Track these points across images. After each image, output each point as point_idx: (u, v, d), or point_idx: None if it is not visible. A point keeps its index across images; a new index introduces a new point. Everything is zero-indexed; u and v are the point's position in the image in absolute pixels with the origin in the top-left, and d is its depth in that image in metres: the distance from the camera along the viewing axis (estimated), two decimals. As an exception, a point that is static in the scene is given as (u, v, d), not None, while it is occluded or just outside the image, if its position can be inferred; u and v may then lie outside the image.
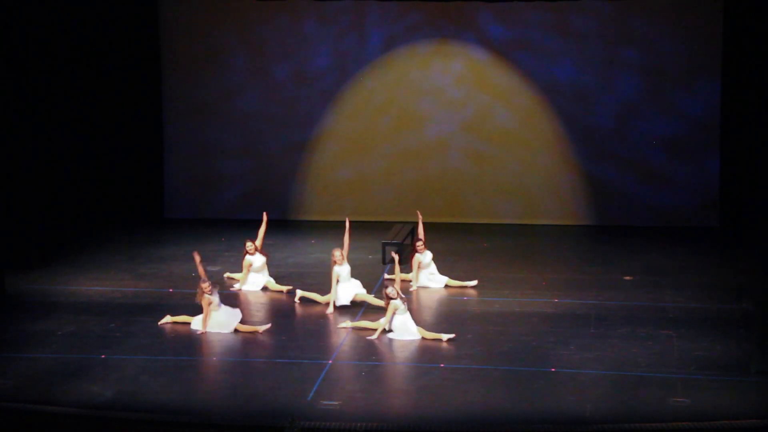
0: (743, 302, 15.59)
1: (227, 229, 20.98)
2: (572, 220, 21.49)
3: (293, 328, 15.31)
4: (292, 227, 21.39)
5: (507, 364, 13.45)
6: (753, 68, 20.03)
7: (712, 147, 20.94)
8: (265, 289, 16.85)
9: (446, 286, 16.90)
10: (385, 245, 18.49)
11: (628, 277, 17.45)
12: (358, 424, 11.17)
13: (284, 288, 16.77)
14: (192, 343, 14.30)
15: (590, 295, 16.47)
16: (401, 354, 13.93)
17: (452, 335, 14.22)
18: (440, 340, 14.18)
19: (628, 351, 13.80)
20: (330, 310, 15.54)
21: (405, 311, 14.40)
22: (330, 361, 13.58)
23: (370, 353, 14.02)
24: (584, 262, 18.71)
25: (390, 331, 14.43)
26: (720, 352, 13.72)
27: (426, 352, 13.95)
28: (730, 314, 15.33)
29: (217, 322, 14.63)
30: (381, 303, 15.23)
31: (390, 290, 14.43)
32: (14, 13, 17.93)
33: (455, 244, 19.48)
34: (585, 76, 21.19)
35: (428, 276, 16.98)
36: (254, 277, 16.85)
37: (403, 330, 14.35)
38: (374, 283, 16.98)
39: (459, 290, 16.73)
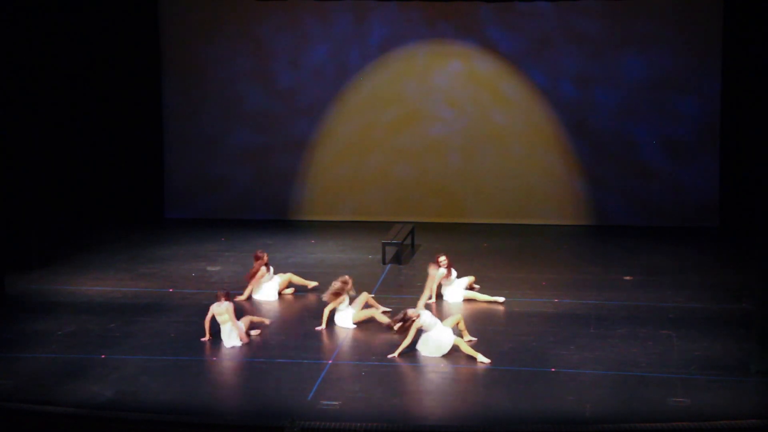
0: (743, 301, 15.62)
1: (227, 229, 20.99)
2: (572, 220, 21.49)
3: (293, 328, 15.31)
4: (292, 227, 21.39)
5: (507, 364, 13.44)
6: (753, 69, 20.02)
7: (712, 147, 20.96)
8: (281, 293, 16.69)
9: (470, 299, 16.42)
10: (385, 245, 18.49)
11: (628, 277, 17.45)
12: (358, 424, 11.17)
13: (309, 284, 16.74)
14: (192, 343, 14.30)
15: (590, 295, 16.47)
16: (401, 354, 13.90)
17: (488, 360, 13.52)
18: (475, 359, 13.59)
19: (628, 351, 13.80)
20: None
21: (432, 325, 13.80)
22: (330, 361, 13.58)
23: (370, 353, 14.02)
24: (584, 262, 18.71)
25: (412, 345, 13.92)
26: (720, 352, 13.72)
27: (426, 352, 13.94)
28: (730, 314, 15.33)
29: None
30: (385, 319, 15.03)
31: (410, 311, 13.84)
32: (14, 13, 17.93)
33: (455, 244, 19.45)
34: (585, 76, 21.19)
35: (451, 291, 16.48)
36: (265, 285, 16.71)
37: (435, 347, 13.79)
38: (374, 284, 16.97)
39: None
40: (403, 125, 21.68)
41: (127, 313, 15.52)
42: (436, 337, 13.75)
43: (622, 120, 21.19)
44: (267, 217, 21.87)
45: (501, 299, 16.21)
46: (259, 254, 16.60)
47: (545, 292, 16.60)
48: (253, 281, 16.48)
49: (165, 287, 17.00)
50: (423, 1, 21.11)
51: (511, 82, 21.38)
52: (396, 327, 13.98)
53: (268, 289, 16.54)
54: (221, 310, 14.28)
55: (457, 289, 16.31)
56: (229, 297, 14.46)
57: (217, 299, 14.40)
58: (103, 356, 13.70)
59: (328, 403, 12.20)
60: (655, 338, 14.27)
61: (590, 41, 21.10)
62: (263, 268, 16.50)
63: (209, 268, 18.10)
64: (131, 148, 21.73)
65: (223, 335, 14.28)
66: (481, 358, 13.51)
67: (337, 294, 15.02)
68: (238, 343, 14.22)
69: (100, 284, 17.15)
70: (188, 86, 21.83)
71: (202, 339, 14.32)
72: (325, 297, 15.10)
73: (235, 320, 14.31)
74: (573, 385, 12.67)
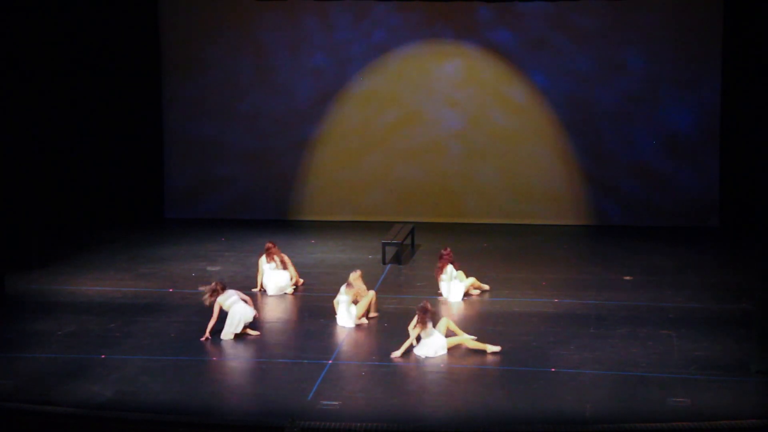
0: (743, 301, 15.61)
1: (227, 229, 20.98)
2: (572, 220, 21.49)
3: (293, 328, 15.31)
4: (292, 227, 21.39)
5: (507, 364, 13.44)
6: (753, 68, 20.05)
7: (712, 147, 20.95)
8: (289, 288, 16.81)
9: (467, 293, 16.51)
10: (385, 245, 18.48)
11: (628, 277, 17.44)
12: (358, 424, 11.16)
13: (299, 280, 16.95)
14: (192, 343, 14.29)
15: (590, 295, 16.47)
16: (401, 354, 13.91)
17: (498, 348, 13.74)
18: (485, 351, 13.76)
19: (628, 351, 13.80)
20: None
21: (431, 333, 13.78)
22: (330, 361, 13.58)
23: (370, 353, 14.02)
24: (584, 262, 18.72)
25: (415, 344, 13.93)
26: (720, 352, 13.71)
27: (426, 352, 13.94)
28: (730, 314, 15.33)
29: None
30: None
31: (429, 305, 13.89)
32: (14, 13, 17.93)
33: (455, 244, 19.40)
34: (585, 75, 21.19)
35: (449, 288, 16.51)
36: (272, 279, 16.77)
37: (432, 351, 13.77)
38: (373, 284, 16.94)
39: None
40: (403, 125, 21.67)
41: (127, 313, 15.52)
42: (432, 344, 13.75)
43: (622, 120, 21.19)
44: (267, 217, 21.87)
45: (486, 287, 16.53)
46: (267, 245, 16.76)
47: (545, 292, 16.60)
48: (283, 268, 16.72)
49: (165, 287, 17.00)
50: (423, 1, 21.10)
51: (511, 81, 21.38)
52: (418, 317, 13.83)
53: (270, 281, 16.59)
54: (227, 296, 14.45)
55: (458, 288, 16.30)
56: (225, 286, 14.64)
57: (217, 294, 14.47)
58: (103, 356, 13.70)
59: (328, 403, 12.19)
60: (655, 338, 14.27)
61: (590, 41, 21.09)
62: (262, 258, 16.63)
63: (209, 268, 18.10)
64: (131, 149, 21.72)
65: (230, 321, 14.34)
66: (491, 348, 13.63)
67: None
68: (231, 337, 14.29)
69: (100, 284, 17.15)
70: (188, 86, 21.82)
71: (202, 339, 14.32)
72: (353, 296, 15.08)
73: (248, 298, 14.65)
74: (573, 385, 12.67)
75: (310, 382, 12.80)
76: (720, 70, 20.69)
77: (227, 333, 14.35)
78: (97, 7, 21.15)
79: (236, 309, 14.43)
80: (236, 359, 13.88)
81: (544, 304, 16.01)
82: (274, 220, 21.76)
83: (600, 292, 16.57)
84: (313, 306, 16.04)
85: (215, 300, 14.47)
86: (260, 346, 14.27)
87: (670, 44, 20.87)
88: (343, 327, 14.96)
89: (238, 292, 14.66)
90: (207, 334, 14.35)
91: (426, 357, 13.66)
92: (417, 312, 13.75)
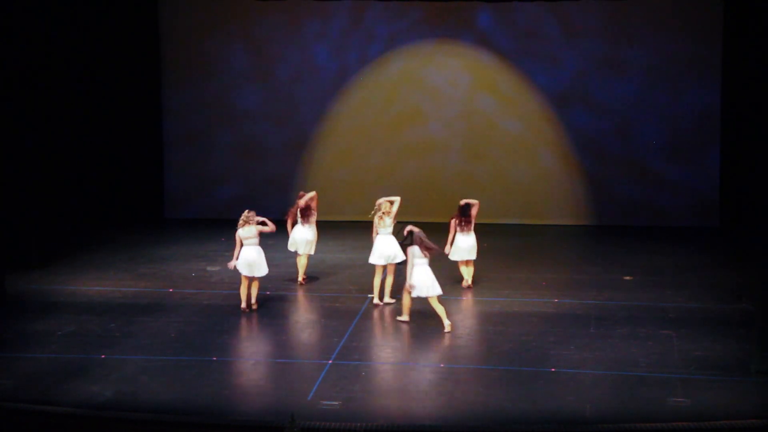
0: (743, 301, 15.60)
1: (227, 229, 20.94)
2: (572, 220, 21.50)
3: (294, 328, 15.32)
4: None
5: (507, 364, 13.44)
6: (753, 68, 20.06)
7: (712, 147, 20.96)
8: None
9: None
10: (385, 245, 18.46)
11: (628, 277, 17.45)
12: (358, 424, 11.16)
13: (301, 278, 17.14)
14: (192, 343, 14.30)
15: (590, 295, 16.47)
16: (401, 354, 13.93)
17: (449, 330, 14.44)
18: (443, 326, 14.39)
19: (628, 351, 13.80)
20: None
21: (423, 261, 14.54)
22: (330, 361, 13.58)
23: (370, 353, 14.02)
24: (584, 262, 18.72)
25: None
26: (720, 352, 13.72)
27: (426, 352, 13.95)
28: (730, 314, 15.34)
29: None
30: None
31: (409, 227, 14.83)
32: (15, 14, 17.94)
33: (455, 244, 19.46)
34: (585, 75, 21.20)
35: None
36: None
37: (424, 284, 14.52)
38: (373, 284, 16.96)
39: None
40: (403, 125, 21.69)
41: (127, 313, 15.53)
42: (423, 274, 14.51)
43: (622, 120, 21.20)
44: (267, 217, 21.81)
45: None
46: (300, 194, 17.20)
47: (545, 292, 16.61)
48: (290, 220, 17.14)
49: (165, 287, 17.00)
50: (423, 1, 21.11)
51: (511, 81, 21.39)
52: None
53: (299, 236, 16.93)
54: (245, 233, 15.40)
55: (464, 244, 16.70)
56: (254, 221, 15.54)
57: (242, 225, 15.46)
58: (103, 356, 13.70)
59: (328, 403, 12.20)
60: (655, 338, 14.28)
61: (590, 41, 21.11)
62: (298, 209, 17.05)
63: (209, 268, 18.11)
64: (131, 149, 21.74)
65: (243, 255, 15.20)
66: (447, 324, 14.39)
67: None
68: (251, 272, 15.19)
69: (100, 284, 17.16)
70: (188, 86, 21.84)
71: (230, 265, 15.33)
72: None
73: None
74: (573, 385, 12.67)
75: (310, 382, 12.80)
76: (720, 70, 20.71)
77: (237, 264, 15.22)
78: (97, 8, 21.17)
79: (244, 252, 15.30)
80: (236, 359, 13.89)
81: (544, 304, 16.02)
82: (274, 220, 21.72)
83: (600, 292, 16.58)
84: (313, 306, 16.03)
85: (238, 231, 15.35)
86: (260, 346, 14.27)
87: (670, 44, 20.88)
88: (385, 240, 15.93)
89: (256, 233, 15.39)
90: (233, 261, 15.27)
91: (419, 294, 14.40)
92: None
